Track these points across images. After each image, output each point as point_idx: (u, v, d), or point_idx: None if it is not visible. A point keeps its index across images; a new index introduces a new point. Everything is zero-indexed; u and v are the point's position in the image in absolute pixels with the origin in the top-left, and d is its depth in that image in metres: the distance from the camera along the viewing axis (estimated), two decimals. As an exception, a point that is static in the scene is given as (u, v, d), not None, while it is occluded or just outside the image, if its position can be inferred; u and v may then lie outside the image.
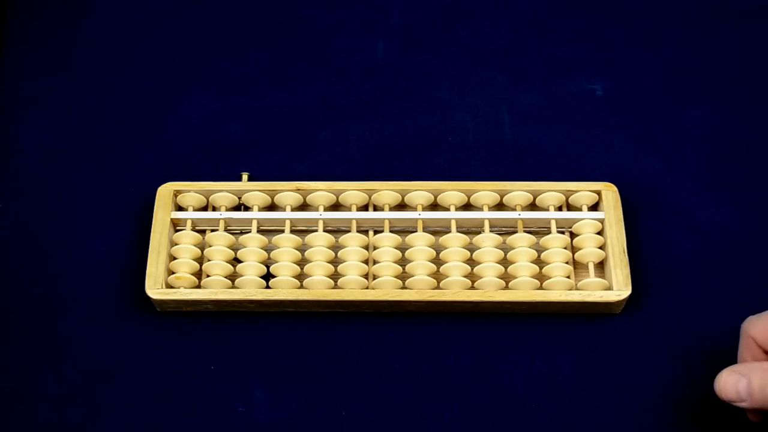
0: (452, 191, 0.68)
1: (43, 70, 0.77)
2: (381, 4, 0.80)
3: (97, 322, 0.66)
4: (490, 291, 0.65)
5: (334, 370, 0.64)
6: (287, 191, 0.68)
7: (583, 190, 0.68)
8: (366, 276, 0.66)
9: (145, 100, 0.75)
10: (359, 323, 0.66)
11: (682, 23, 0.79)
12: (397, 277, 0.65)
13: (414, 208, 0.69)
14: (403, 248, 0.66)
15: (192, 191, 0.68)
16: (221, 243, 0.66)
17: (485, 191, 0.68)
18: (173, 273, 0.66)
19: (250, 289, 0.65)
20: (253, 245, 0.66)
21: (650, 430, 0.62)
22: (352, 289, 0.65)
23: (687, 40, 0.78)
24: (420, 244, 0.66)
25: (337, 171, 0.72)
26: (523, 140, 0.73)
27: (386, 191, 0.68)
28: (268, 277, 0.66)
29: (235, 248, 0.67)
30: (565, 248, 0.66)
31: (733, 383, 0.57)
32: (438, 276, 0.66)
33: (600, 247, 0.67)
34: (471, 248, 0.66)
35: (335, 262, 0.67)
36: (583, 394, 0.63)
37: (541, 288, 0.65)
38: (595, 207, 0.68)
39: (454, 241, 0.66)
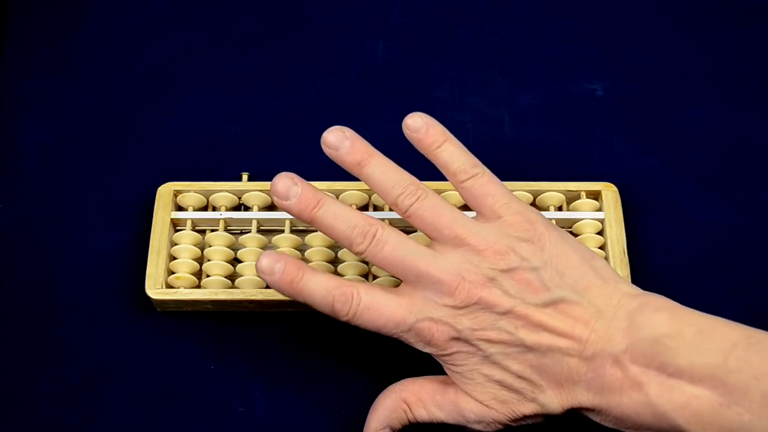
0: (452, 191, 0.68)
1: (43, 70, 0.76)
2: (381, 4, 0.80)
3: (97, 322, 0.66)
4: (490, 291, 0.65)
5: (334, 370, 0.64)
6: (287, 191, 0.68)
7: (583, 190, 0.68)
8: (366, 276, 0.66)
9: (145, 100, 0.75)
10: (359, 323, 0.66)
11: (682, 23, 0.79)
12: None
13: (414, 208, 0.68)
14: (403, 248, 0.66)
15: (192, 191, 0.68)
16: (221, 243, 0.66)
17: (485, 191, 0.68)
18: (173, 273, 0.66)
19: (250, 289, 0.65)
20: (253, 245, 0.66)
21: (650, 430, 0.62)
22: (352, 289, 0.65)
23: (687, 40, 0.78)
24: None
25: (337, 171, 0.72)
26: (523, 140, 0.73)
27: (386, 191, 0.68)
28: (268, 277, 0.66)
29: (235, 248, 0.67)
30: (565, 248, 0.66)
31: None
32: (438, 276, 0.66)
33: (600, 247, 0.67)
34: (471, 248, 0.66)
35: (335, 262, 0.66)
36: (583, 394, 0.63)
37: (541, 288, 0.65)
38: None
39: (454, 241, 0.66)
